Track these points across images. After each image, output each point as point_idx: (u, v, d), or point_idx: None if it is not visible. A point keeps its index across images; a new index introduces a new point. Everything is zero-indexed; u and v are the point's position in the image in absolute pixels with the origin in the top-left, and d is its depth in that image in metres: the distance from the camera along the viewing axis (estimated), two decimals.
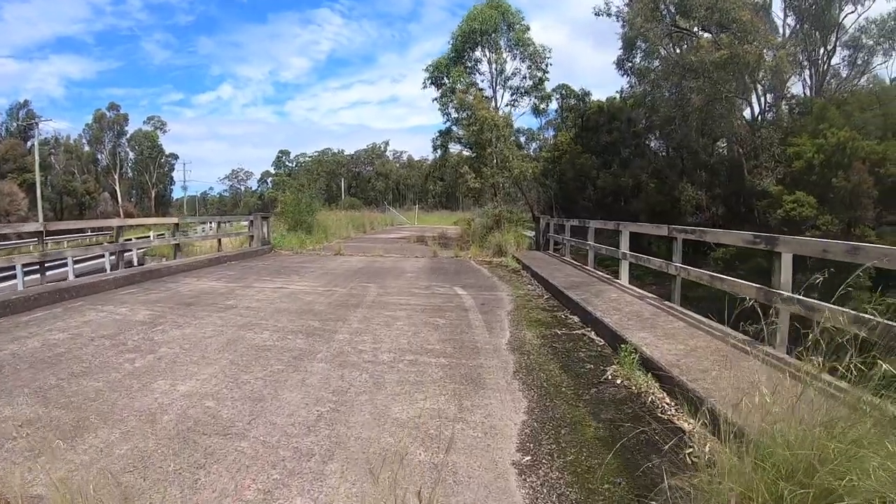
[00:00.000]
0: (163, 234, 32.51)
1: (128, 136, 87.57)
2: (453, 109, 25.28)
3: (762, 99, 26.00)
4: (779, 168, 23.15)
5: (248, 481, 3.46)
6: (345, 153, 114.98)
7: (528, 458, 3.87)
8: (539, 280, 12.50)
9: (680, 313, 7.75)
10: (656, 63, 29.68)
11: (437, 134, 27.43)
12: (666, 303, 8.57)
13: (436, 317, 8.58)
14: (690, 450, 2.99)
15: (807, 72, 27.90)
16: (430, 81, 26.45)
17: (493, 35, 25.04)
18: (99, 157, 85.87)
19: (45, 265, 11.39)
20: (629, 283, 10.92)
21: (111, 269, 18.66)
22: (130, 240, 23.33)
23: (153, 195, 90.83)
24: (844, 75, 28.74)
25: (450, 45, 26.02)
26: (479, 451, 3.95)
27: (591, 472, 3.67)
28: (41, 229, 11.93)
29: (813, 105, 24.93)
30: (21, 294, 9.69)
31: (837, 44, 27.64)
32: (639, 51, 30.09)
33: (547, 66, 25.44)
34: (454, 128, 25.98)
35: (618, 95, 39.03)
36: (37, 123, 58.88)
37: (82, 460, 3.70)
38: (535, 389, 5.31)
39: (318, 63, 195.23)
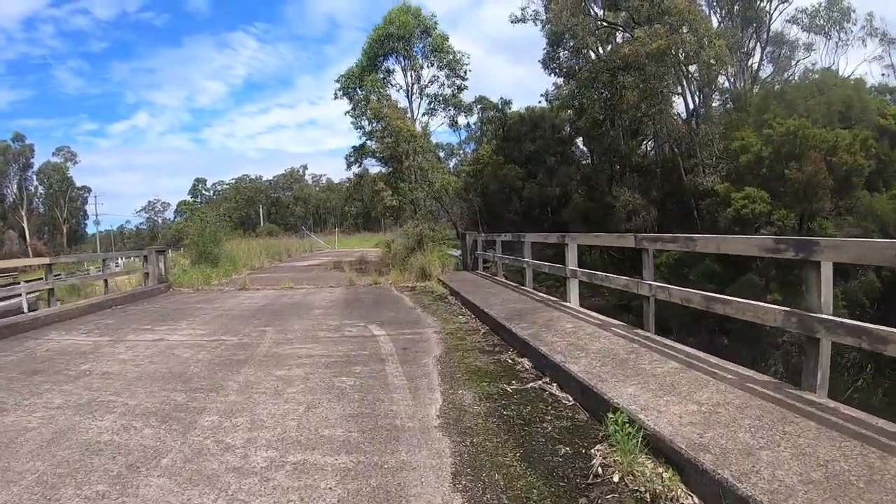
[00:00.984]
0: (59, 275, 28.90)
1: (35, 169, 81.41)
2: (367, 122, 23.24)
3: (697, 95, 24.90)
4: (721, 165, 21.99)
5: None
6: (263, 179, 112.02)
7: None
8: (471, 308, 10.50)
9: (664, 347, 5.93)
10: (584, 63, 28.34)
11: (352, 150, 25.27)
12: (639, 332, 6.72)
13: (342, 374, 6.43)
14: None
15: (732, 67, 27.12)
16: (341, 93, 24.34)
17: (409, 41, 23.16)
18: (5, 192, 79.24)
19: None
20: (580, 305, 9.02)
21: None
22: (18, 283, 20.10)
23: (65, 231, 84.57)
24: (770, 70, 28.23)
25: (362, 53, 24.00)
26: None
27: None
28: None
29: (749, 98, 24.07)
30: None
31: (768, 36, 27.13)
32: (565, 48, 28.56)
33: (466, 72, 23.79)
34: (369, 142, 23.90)
35: (542, 100, 37.88)
36: None
37: None
38: None
39: (235, 87, 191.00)
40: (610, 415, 4.07)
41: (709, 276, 19.37)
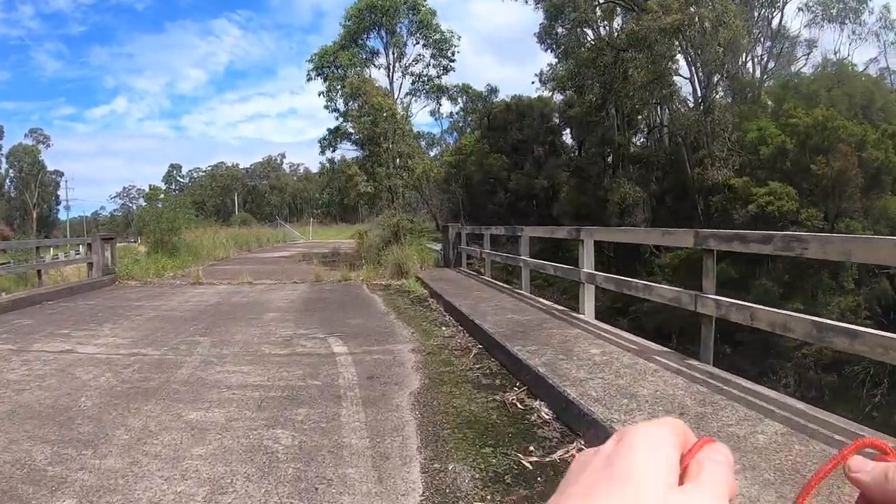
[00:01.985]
0: (8, 263, 26.34)
1: (5, 151, 77.82)
2: (342, 101, 21.09)
3: (708, 79, 22.78)
4: (733, 158, 20.01)
5: None
6: (240, 167, 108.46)
7: None
8: (458, 317, 8.56)
9: (745, 392, 3.94)
10: (584, 40, 26.21)
11: (327, 133, 23.04)
12: (695, 364, 4.90)
13: (278, 424, 4.52)
14: None
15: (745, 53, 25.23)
16: (315, 73, 22.07)
17: (393, 17, 20.99)
18: None
19: None
20: (596, 317, 7.13)
21: None
22: None
23: (35, 216, 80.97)
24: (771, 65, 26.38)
25: (341, 28, 21.85)
26: None
27: None
28: None
29: (758, 88, 22.22)
30: None
31: (781, 21, 25.39)
32: (564, 23, 26.16)
33: (453, 53, 21.73)
34: (345, 124, 21.67)
35: (536, 79, 35.54)
36: None
37: None
38: None
39: (216, 75, 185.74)
40: None
41: (721, 281, 17.42)
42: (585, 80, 25.00)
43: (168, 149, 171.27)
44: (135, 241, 23.90)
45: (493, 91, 40.01)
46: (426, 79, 21.89)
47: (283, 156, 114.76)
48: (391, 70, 21.75)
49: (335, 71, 21.28)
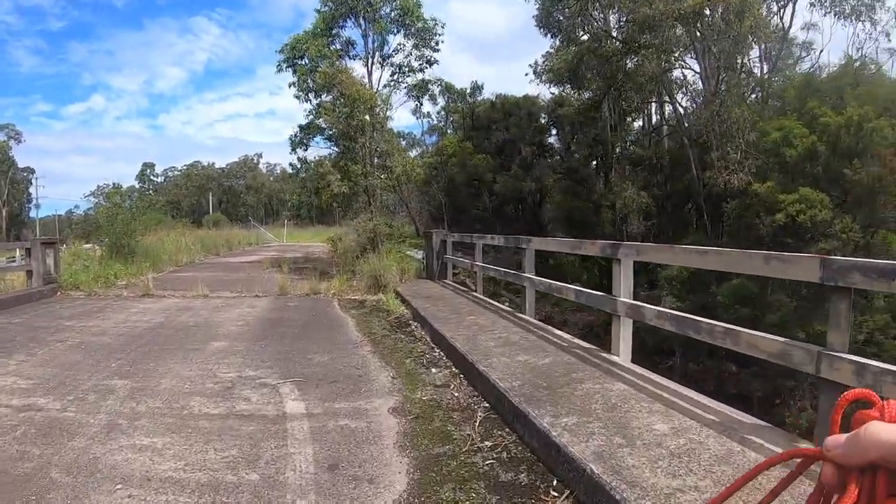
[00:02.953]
0: None
1: None
2: (313, 95, 19.15)
3: (719, 74, 21.03)
4: (748, 160, 18.30)
5: None
6: (216, 166, 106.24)
7: None
8: (451, 354, 6.82)
9: None
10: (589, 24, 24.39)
11: (298, 130, 21.03)
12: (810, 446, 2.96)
13: None
14: None
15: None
16: (286, 64, 20.12)
17: (373, 3, 19.08)
18: None
19: None
20: (632, 360, 5.48)
21: None
22: None
23: (4, 214, 77.73)
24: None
25: (316, 15, 19.95)
26: None
27: None
28: None
29: (769, 86, 20.61)
30: None
31: (794, 14, 23.94)
32: (568, 3, 24.12)
33: (438, 43, 19.92)
34: (318, 120, 19.72)
35: (530, 70, 33.78)
36: None
37: None
38: None
39: (195, 74, 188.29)
40: None
41: (741, 298, 15.79)
42: (587, 70, 23.20)
43: (146, 148, 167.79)
44: (89, 245, 21.85)
45: (478, 88, 38.37)
46: (407, 69, 19.96)
47: (260, 155, 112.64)
48: (370, 61, 19.88)
49: (306, 63, 19.39)
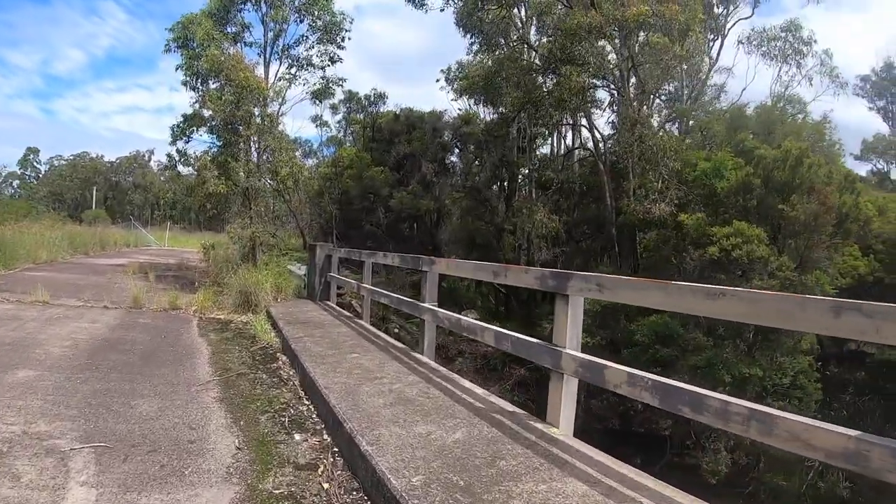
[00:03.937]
0: None
1: None
2: (201, 82, 16.96)
3: (648, 98, 20.42)
4: (670, 190, 17.51)
5: None
6: (104, 159, 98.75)
7: None
8: (324, 412, 5.30)
9: None
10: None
11: (182, 119, 18.62)
12: None
13: None
14: None
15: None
16: (175, 45, 17.76)
17: None
18: None
19: None
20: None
21: None
22: None
23: None
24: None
25: None
26: None
27: None
28: None
29: (688, 115, 20.15)
30: None
31: (721, 49, 24.25)
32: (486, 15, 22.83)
33: (344, 38, 18.18)
34: (202, 110, 17.50)
35: (442, 76, 32.97)
36: None
37: None
38: None
39: (96, 59, 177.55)
40: None
41: (662, 336, 14.94)
42: (504, 81, 21.84)
43: (35, 130, 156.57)
44: None
45: (381, 97, 36.69)
46: (306, 63, 18.03)
47: (152, 152, 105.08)
48: (268, 50, 17.86)
49: (195, 46, 17.19)
